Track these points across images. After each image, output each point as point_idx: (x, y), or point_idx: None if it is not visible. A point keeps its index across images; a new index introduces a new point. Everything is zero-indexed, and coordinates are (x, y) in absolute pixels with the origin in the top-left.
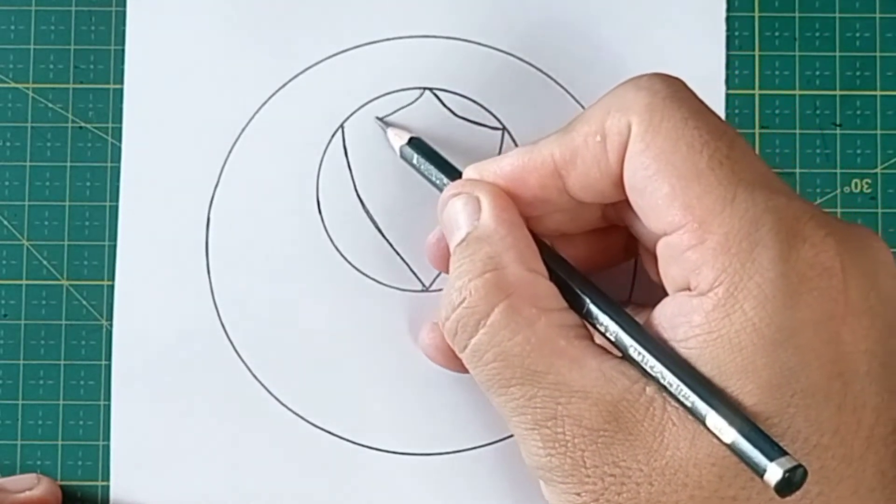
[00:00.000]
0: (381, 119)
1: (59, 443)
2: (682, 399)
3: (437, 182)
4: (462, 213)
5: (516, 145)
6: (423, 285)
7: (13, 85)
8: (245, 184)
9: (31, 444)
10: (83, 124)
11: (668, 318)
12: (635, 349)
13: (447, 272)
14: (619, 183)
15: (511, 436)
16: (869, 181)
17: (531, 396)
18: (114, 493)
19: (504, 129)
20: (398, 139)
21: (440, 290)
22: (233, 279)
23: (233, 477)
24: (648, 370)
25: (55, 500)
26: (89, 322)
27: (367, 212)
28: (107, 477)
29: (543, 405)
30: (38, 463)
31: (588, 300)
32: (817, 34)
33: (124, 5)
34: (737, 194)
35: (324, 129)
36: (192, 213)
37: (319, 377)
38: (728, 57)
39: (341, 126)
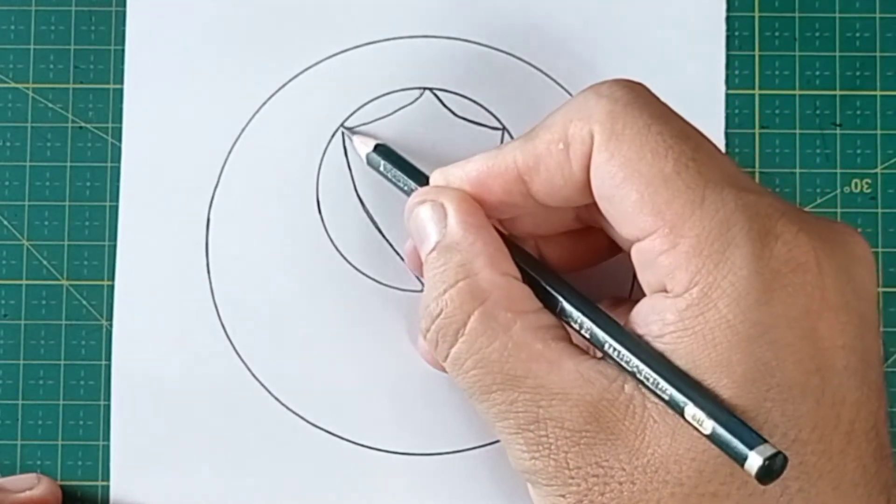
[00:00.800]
0: (348, 128)
1: (59, 443)
2: (659, 392)
3: (405, 188)
4: (429, 222)
5: None
6: (423, 285)
7: (13, 85)
8: (245, 184)
9: (31, 444)
10: (83, 124)
11: (642, 316)
12: (610, 345)
13: None
14: (584, 189)
15: None
16: (869, 181)
17: (512, 401)
18: (114, 493)
19: (504, 129)
20: (364, 146)
21: None
22: (233, 279)
23: (233, 477)
24: (624, 365)
25: (55, 500)
26: (89, 322)
27: (367, 212)
28: (107, 477)
29: (525, 409)
30: (38, 463)
31: (561, 298)
32: (817, 34)
33: (124, 5)
34: (705, 196)
35: (324, 129)
36: (192, 213)
37: (319, 377)
38: (728, 57)
39: (341, 126)
